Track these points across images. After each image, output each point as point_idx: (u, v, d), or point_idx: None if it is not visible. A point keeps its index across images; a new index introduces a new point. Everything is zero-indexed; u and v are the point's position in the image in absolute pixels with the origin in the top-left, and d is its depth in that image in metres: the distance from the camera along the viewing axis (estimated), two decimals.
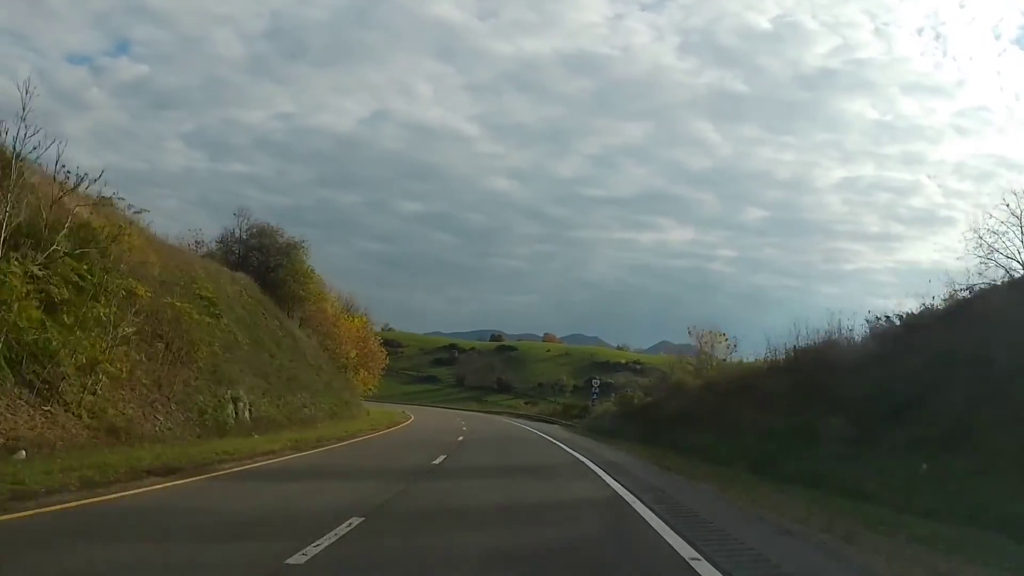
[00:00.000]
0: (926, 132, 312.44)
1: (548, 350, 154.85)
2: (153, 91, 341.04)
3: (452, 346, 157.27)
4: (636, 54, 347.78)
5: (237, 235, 45.62)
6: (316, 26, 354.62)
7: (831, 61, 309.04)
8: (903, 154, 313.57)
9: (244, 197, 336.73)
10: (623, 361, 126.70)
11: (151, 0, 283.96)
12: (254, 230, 45.98)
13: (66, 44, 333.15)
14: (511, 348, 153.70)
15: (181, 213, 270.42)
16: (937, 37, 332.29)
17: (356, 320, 61.91)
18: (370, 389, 64.34)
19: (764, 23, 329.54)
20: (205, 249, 42.29)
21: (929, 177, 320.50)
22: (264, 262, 43.86)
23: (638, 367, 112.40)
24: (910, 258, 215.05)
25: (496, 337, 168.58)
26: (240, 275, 37.34)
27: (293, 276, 44.55)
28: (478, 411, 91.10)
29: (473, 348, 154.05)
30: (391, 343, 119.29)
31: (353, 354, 54.97)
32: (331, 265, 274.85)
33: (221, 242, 45.34)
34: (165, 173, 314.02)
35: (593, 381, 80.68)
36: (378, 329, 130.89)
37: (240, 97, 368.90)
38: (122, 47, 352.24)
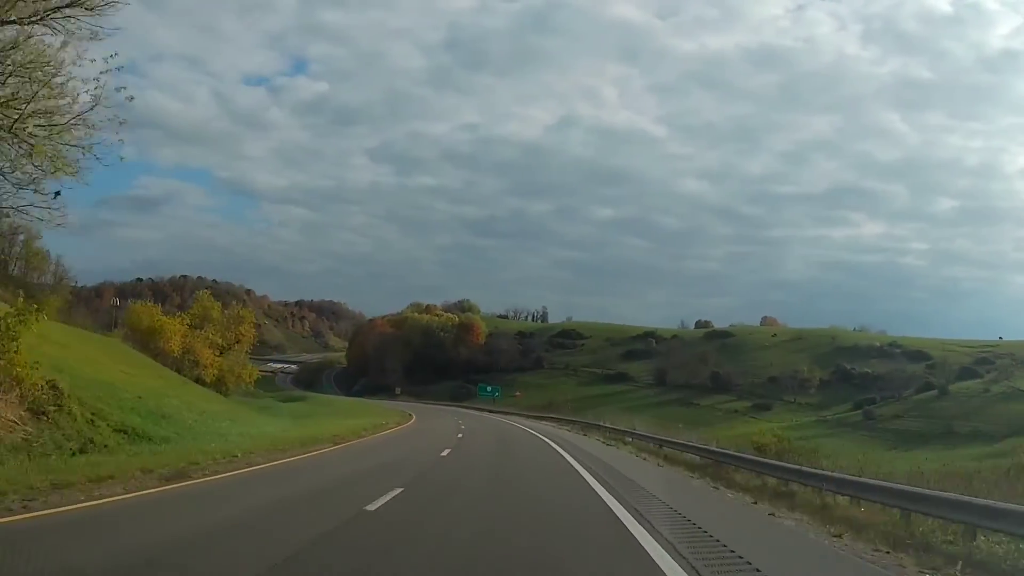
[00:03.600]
0: None
1: (773, 335, 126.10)
2: (334, 108, 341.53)
3: (648, 335, 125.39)
4: (819, 45, 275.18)
5: None
6: (495, 34, 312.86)
7: (1013, 42, 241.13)
8: None
9: (433, 210, 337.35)
10: (878, 344, 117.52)
11: (326, 18, 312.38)
12: None
13: (242, 66, 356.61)
14: (725, 335, 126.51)
15: (370, 228, 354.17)
16: None
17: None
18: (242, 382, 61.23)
19: (945, 6, 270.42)
20: None
21: None
22: None
23: (897, 350, 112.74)
24: None
25: (702, 324, 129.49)
26: None
27: None
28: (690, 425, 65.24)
29: (675, 336, 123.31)
30: (566, 335, 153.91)
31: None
32: (527, 275, 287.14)
33: None
34: (352, 189, 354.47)
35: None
36: (559, 320, 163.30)
37: (423, 110, 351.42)
38: (299, 66, 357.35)
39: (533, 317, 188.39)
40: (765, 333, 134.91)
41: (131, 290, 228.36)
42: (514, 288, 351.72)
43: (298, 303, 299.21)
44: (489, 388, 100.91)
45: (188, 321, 57.01)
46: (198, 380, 49.73)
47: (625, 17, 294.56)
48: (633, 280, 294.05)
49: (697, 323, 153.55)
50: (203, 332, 57.17)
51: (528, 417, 68.33)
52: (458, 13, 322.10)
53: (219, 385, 54.56)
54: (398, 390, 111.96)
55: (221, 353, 58.31)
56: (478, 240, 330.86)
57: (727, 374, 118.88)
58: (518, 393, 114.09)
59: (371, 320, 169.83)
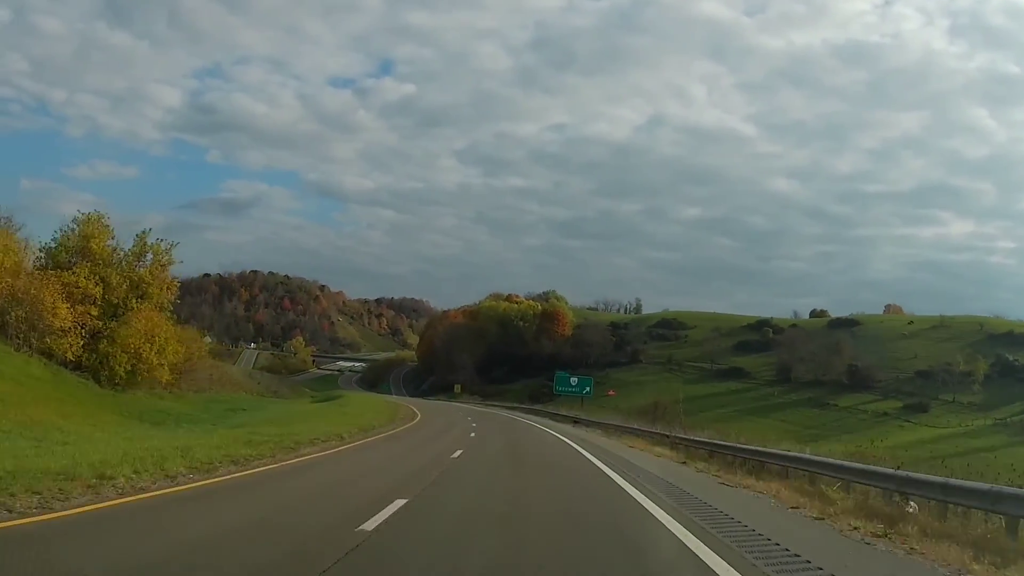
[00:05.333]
0: None
1: (910, 322, 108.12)
2: (421, 109, 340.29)
3: (762, 323, 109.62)
4: (907, 41, 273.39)
5: None
6: (583, 33, 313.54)
7: None
8: None
9: (522, 211, 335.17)
10: None
11: (412, 19, 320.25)
12: None
13: (327, 68, 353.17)
14: (851, 322, 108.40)
15: (459, 230, 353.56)
16: None
17: None
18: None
19: None
20: None
21: None
22: None
23: None
24: None
25: (818, 313, 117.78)
26: None
27: None
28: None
29: (794, 325, 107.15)
30: (666, 325, 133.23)
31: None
32: (615, 276, 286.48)
33: None
34: (441, 191, 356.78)
35: None
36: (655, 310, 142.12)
37: (511, 110, 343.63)
38: (385, 67, 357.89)
39: (625, 310, 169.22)
40: (898, 321, 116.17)
41: (196, 285, 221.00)
42: (602, 290, 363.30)
43: (378, 301, 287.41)
44: (574, 380, 67.16)
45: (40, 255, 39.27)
46: (47, 355, 32.01)
47: (712, 14, 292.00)
48: (720, 280, 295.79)
49: (812, 312, 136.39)
50: (60, 274, 38.04)
51: (632, 433, 34.86)
52: (545, 12, 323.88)
53: (99, 370, 36.83)
54: (457, 388, 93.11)
55: (104, 316, 39.95)
56: (567, 241, 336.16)
57: (866, 368, 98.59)
58: (611, 391, 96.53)
59: (444, 312, 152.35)
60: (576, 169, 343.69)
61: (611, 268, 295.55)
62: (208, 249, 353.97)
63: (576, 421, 48.43)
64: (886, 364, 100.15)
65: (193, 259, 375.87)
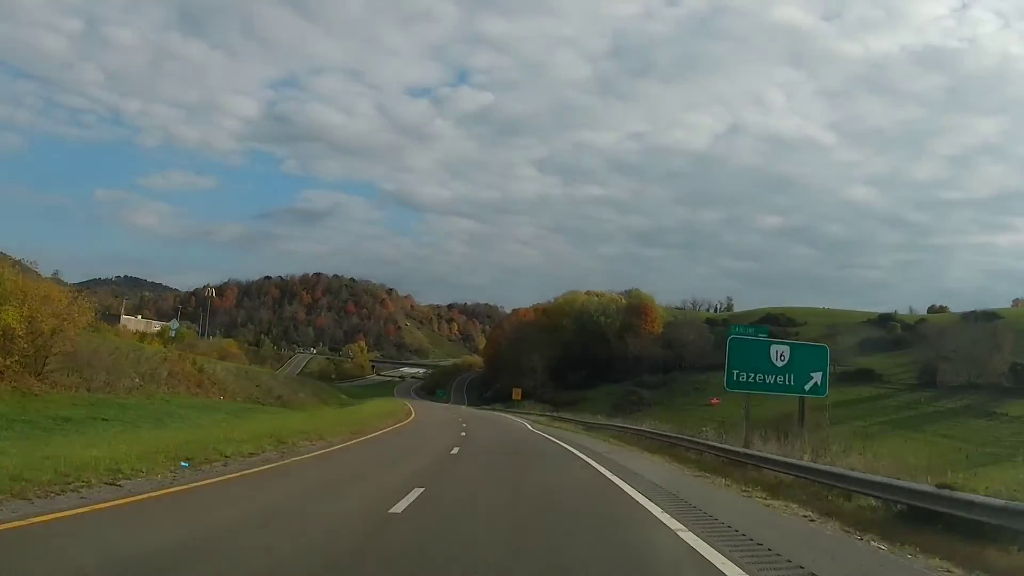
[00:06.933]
0: None
1: None
2: (499, 118, 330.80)
3: (885, 318, 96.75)
4: (984, 45, 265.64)
5: None
6: (661, 41, 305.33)
7: None
8: None
9: (600, 221, 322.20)
10: None
11: (489, 27, 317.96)
12: None
13: (404, 78, 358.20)
14: (989, 316, 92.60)
15: (537, 239, 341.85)
16: None
17: None
18: None
19: None
20: None
21: None
22: None
23: None
24: None
25: (938, 309, 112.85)
26: None
27: None
28: None
29: (922, 320, 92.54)
30: (773, 320, 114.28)
31: None
32: (694, 285, 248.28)
33: None
34: (519, 200, 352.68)
35: None
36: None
37: (590, 119, 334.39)
38: (462, 76, 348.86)
39: (715, 310, 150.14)
40: None
41: (255, 288, 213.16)
42: (681, 299, 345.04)
43: (450, 306, 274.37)
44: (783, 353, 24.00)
45: None
46: None
47: (790, 19, 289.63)
48: (798, 290, 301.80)
49: (930, 308, 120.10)
50: None
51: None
52: (623, 20, 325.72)
53: None
54: (516, 393, 76.02)
55: None
56: (645, 250, 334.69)
57: None
58: (715, 399, 79.52)
59: (514, 311, 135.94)
60: (655, 178, 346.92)
61: (689, 278, 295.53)
62: (283, 259, 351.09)
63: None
64: None
65: (270, 268, 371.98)
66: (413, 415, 38.30)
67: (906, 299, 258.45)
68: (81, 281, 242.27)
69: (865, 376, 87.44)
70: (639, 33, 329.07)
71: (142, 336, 62.15)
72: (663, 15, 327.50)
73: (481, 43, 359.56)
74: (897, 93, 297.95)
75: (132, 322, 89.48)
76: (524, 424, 44.18)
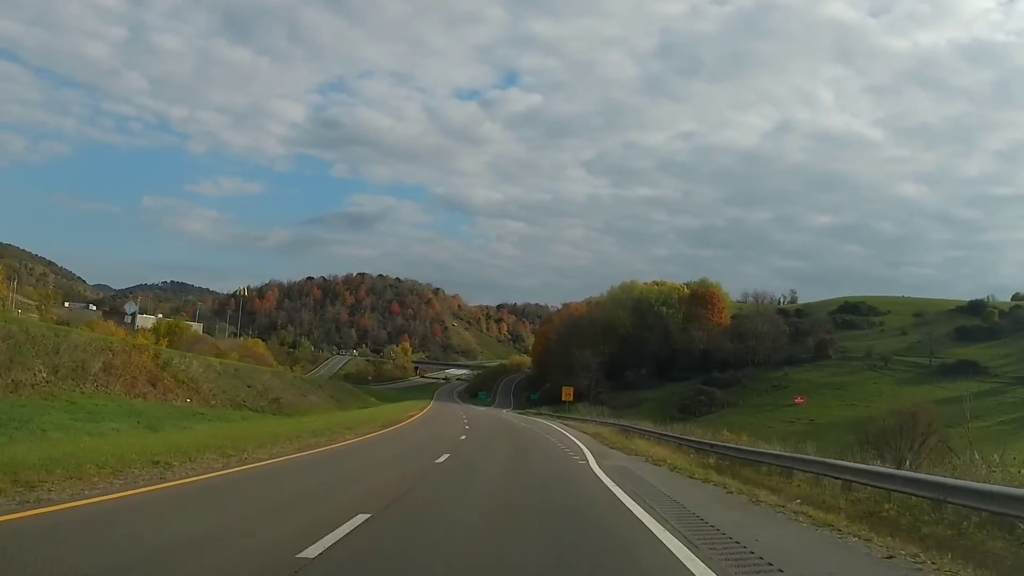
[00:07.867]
0: None
1: None
2: (548, 120, 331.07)
3: (977, 305, 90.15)
4: None
5: None
6: (708, 39, 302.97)
7: None
8: None
9: (650, 221, 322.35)
10: None
11: (536, 28, 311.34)
12: None
13: (452, 80, 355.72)
14: None
15: (588, 241, 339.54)
16: None
17: None
18: None
19: None
20: None
21: None
22: None
23: None
24: None
25: (1020, 296, 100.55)
26: None
27: None
28: None
29: (1017, 307, 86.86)
30: (852, 310, 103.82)
31: None
32: (744, 286, 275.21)
33: None
34: (569, 202, 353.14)
35: None
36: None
37: (639, 119, 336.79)
38: (510, 78, 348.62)
39: (780, 301, 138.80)
40: None
41: (297, 289, 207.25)
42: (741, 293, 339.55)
43: (499, 306, 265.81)
44: None
45: None
46: None
47: (838, 16, 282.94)
48: (849, 289, 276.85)
49: (1014, 296, 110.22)
50: None
51: None
52: (670, 19, 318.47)
53: None
54: (567, 393, 65.68)
55: None
56: (695, 251, 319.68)
57: None
58: (799, 399, 69.84)
59: (565, 306, 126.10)
60: (705, 177, 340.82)
61: (739, 278, 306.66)
62: (331, 262, 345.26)
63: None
64: None
65: (312, 272, 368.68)
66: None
67: (957, 297, 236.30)
68: (127, 287, 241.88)
69: (966, 368, 76.27)
70: (686, 32, 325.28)
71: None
72: (710, 13, 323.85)
73: (528, 44, 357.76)
74: (945, 88, 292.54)
75: (142, 319, 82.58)
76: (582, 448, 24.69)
